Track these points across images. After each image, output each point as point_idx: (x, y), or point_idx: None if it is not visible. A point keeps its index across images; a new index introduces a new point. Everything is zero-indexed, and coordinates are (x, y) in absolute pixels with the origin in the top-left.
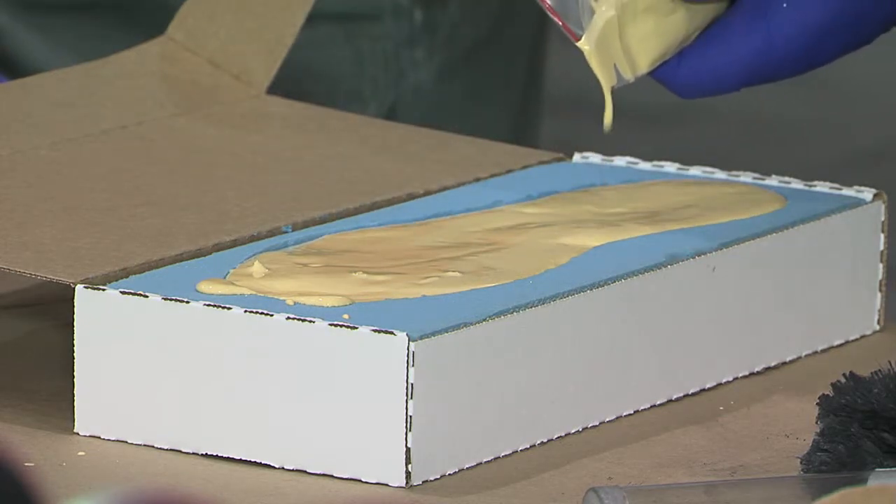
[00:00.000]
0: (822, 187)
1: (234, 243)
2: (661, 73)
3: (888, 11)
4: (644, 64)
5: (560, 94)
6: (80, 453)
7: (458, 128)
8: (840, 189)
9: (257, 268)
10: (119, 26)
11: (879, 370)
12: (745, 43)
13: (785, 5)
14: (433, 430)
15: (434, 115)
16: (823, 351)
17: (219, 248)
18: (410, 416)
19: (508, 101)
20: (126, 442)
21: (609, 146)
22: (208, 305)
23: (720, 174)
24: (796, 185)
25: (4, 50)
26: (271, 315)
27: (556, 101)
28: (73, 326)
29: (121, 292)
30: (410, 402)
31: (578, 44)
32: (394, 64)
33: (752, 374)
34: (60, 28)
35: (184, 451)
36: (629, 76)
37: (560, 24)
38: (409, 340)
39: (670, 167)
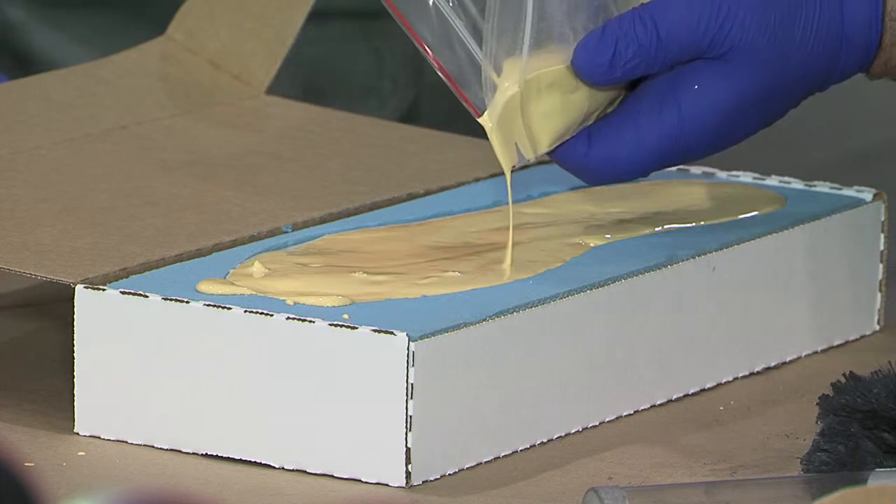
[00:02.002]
0: (822, 187)
1: (234, 243)
2: (572, 158)
3: (809, 86)
4: (545, 142)
5: None
6: (80, 453)
7: (478, 125)
8: (840, 189)
9: (257, 268)
10: (133, 21)
11: (879, 370)
12: (658, 127)
13: (696, 87)
14: (433, 430)
15: (455, 112)
16: (823, 351)
17: (219, 248)
18: (410, 416)
19: None
20: (126, 442)
21: None
22: (208, 305)
23: (720, 174)
24: (796, 185)
25: (20, 45)
26: (271, 315)
27: None
28: (73, 326)
29: (121, 292)
30: (410, 402)
31: (480, 120)
32: (413, 61)
33: (752, 374)
34: (75, 23)
35: (184, 451)
36: (530, 155)
37: (461, 97)
38: (409, 340)
39: (670, 167)
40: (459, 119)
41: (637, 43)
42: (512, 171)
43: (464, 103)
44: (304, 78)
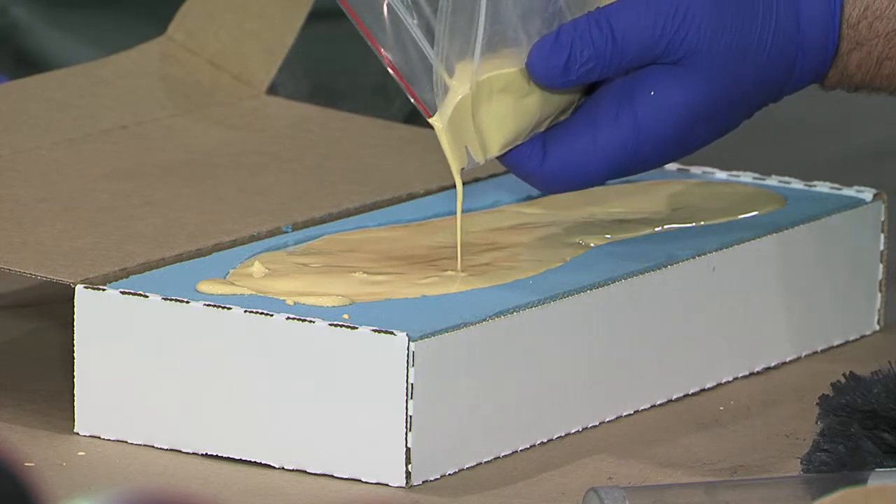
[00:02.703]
0: (822, 187)
1: (234, 243)
2: (526, 166)
3: (765, 93)
4: (496, 146)
5: None
6: (80, 453)
7: None
8: (840, 189)
9: (257, 268)
10: (140, 21)
11: (879, 370)
12: (614, 134)
13: (652, 93)
14: (433, 430)
15: None
16: (823, 351)
17: (219, 248)
18: (410, 416)
19: None
20: (126, 442)
21: None
22: (208, 305)
23: (720, 174)
24: (796, 185)
25: (24, 45)
26: (271, 315)
27: None
28: (73, 326)
29: (121, 292)
30: (410, 402)
31: (431, 120)
32: None
33: (752, 374)
34: (81, 23)
35: (184, 451)
36: (480, 158)
37: (412, 97)
38: (409, 340)
39: (670, 167)
40: None
41: (592, 46)
42: (462, 173)
43: (414, 103)
44: (311, 77)
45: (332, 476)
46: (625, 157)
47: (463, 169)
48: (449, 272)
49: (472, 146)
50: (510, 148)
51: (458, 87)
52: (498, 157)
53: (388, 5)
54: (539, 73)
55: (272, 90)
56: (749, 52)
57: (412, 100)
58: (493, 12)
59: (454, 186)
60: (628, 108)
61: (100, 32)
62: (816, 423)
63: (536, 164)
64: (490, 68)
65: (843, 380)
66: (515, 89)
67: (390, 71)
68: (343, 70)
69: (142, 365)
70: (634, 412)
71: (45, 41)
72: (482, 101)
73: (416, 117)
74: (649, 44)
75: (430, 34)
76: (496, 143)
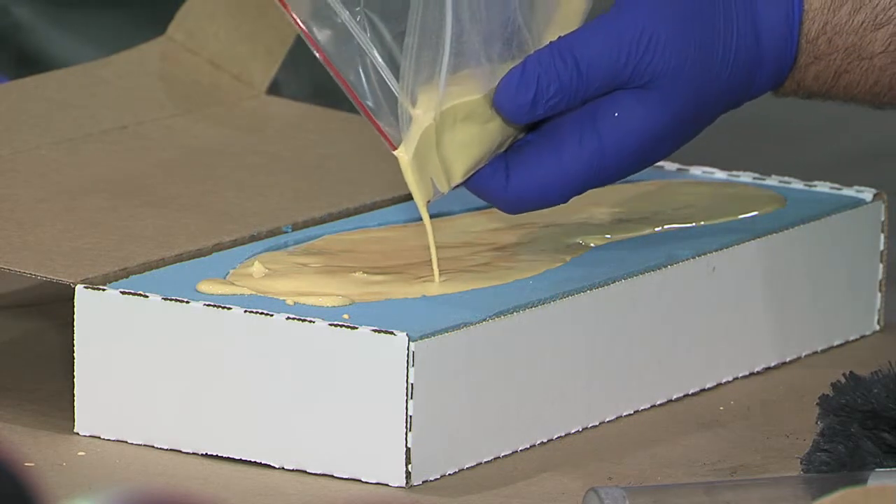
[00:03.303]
0: (822, 187)
1: (234, 243)
2: (491, 191)
3: (726, 106)
4: (460, 173)
5: None
6: (80, 453)
7: None
8: (840, 189)
9: (257, 268)
10: (144, 22)
11: (879, 370)
12: (578, 156)
13: (616, 115)
14: (433, 430)
15: None
16: (823, 351)
17: (219, 248)
18: (410, 416)
19: None
20: (126, 442)
21: None
22: (208, 305)
23: (720, 174)
24: (796, 185)
25: (28, 45)
26: (271, 315)
27: None
28: (73, 326)
29: (121, 292)
30: (410, 402)
31: (396, 153)
32: None
33: (752, 374)
34: (85, 23)
35: (184, 451)
36: (444, 189)
37: (377, 128)
38: (409, 340)
39: (670, 167)
40: None
41: (559, 81)
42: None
43: (379, 135)
44: (313, 77)
45: (332, 476)
46: (588, 178)
47: (429, 202)
48: (450, 273)
49: (436, 177)
50: (472, 173)
51: (423, 117)
52: (461, 183)
53: (355, 39)
54: (507, 111)
55: (274, 90)
56: (712, 71)
57: (377, 132)
58: (457, 44)
59: (454, 187)
60: (591, 130)
61: (102, 33)
62: (816, 423)
63: (501, 188)
64: (453, 96)
65: (843, 380)
66: (478, 115)
67: (354, 102)
68: None
69: (142, 365)
70: (634, 412)
71: (48, 41)
72: (446, 130)
73: None
74: (615, 73)
75: (391, 64)
76: (460, 170)
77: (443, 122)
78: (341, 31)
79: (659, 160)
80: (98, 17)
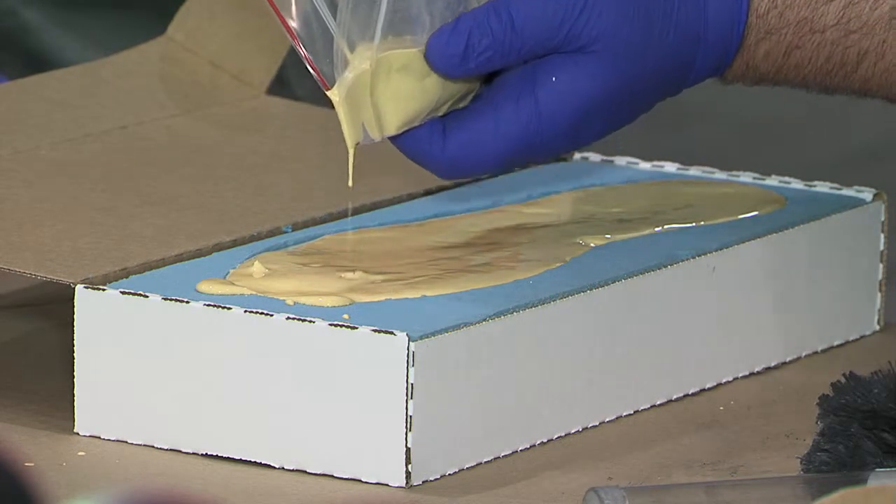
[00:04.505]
0: (822, 187)
1: (234, 243)
2: (426, 151)
3: (666, 83)
4: (392, 125)
5: None
6: (80, 453)
7: None
8: (840, 189)
9: (257, 268)
10: (151, 24)
11: (879, 370)
12: (516, 119)
13: (553, 79)
14: (433, 430)
15: None
16: (823, 351)
17: (219, 248)
18: (410, 416)
19: None
20: (126, 442)
21: (609, 146)
22: (208, 305)
23: (720, 174)
24: (796, 185)
25: (35, 47)
26: (271, 315)
27: None
28: (73, 326)
29: (121, 292)
30: (410, 402)
31: (329, 93)
32: None
33: (752, 374)
34: (91, 25)
35: (184, 451)
36: (376, 135)
37: (312, 70)
38: (409, 340)
39: (670, 167)
40: None
41: (491, 35)
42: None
43: (314, 75)
44: None
45: (332, 476)
46: (525, 143)
47: (358, 144)
48: (450, 272)
49: (368, 123)
50: (406, 129)
51: (358, 62)
52: (396, 142)
53: None
54: (437, 62)
55: (284, 87)
56: (652, 39)
57: (311, 72)
58: None
59: (454, 186)
60: (529, 93)
61: (109, 34)
62: (816, 423)
63: (437, 149)
64: (391, 46)
65: (843, 380)
66: (415, 69)
67: (291, 41)
68: None
69: (142, 365)
70: (634, 412)
71: (55, 43)
72: (381, 77)
73: None
74: (549, 33)
75: (332, 6)
76: (393, 121)
77: (378, 70)
78: None
79: (593, 137)
80: (106, 19)
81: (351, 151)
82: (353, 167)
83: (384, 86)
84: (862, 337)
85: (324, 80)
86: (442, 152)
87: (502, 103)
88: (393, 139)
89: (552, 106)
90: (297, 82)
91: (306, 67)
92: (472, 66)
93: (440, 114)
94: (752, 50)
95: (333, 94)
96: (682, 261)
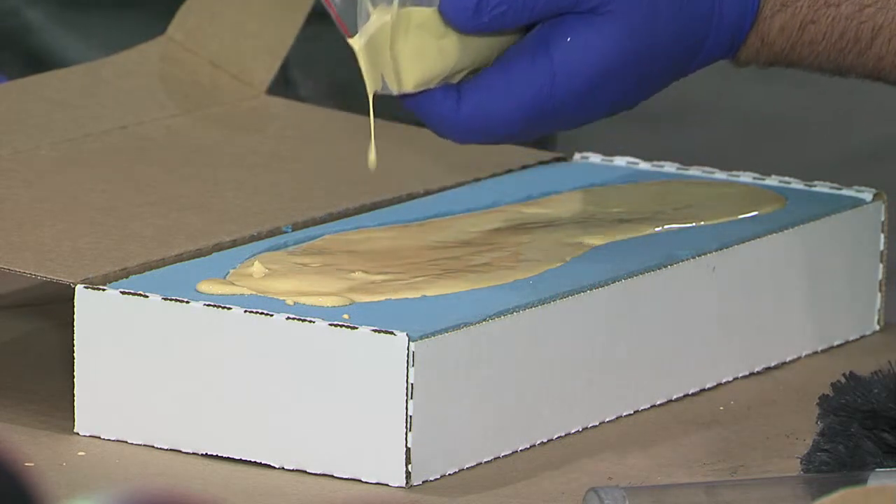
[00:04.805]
0: (822, 187)
1: (234, 243)
2: (439, 112)
3: (678, 55)
4: (410, 82)
5: None
6: (80, 453)
7: None
8: (840, 189)
9: (257, 268)
10: (155, 23)
11: (879, 370)
12: (529, 79)
13: (568, 39)
14: (433, 430)
15: None
16: (823, 351)
17: (219, 248)
18: (410, 416)
19: None
20: (126, 442)
21: (609, 146)
22: (208, 305)
23: (720, 174)
24: (796, 185)
25: (38, 47)
26: (271, 315)
27: None
28: (73, 326)
29: (121, 292)
30: (410, 402)
31: (350, 40)
32: None
33: (752, 374)
34: (96, 25)
35: (184, 451)
36: (394, 88)
37: (335, 17)
38: (409, 340)
39: (670, 167)
40: None
41: None
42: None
43: (336, 23)
44: (330, 76)
45: (332, 476)
46: (540, 104)
47: (376, 93)
48: (450, 272)
49: (387, 75)
50: (423, 89)
51: (379, 15)
52: (411, 103)
53: None
54: (450, 13)
55: (290, 89)
56: (666, 5)
57: (335, 20)
58: None
59: (454, 186)
60: (544, 53)
61: (113, 34)
62: (816, 423)
63: (452, 109)
64: (413, 4)
65: (843, 380)
66: (433, 28)
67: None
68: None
69: (142, 365)
70: (634, 412)
71: (58, 43)
72: (400, 32)
73: None
74: None
75: None
76: (411, 77)
77: (398, 23)
78: None
79: (605, 108)
80: (109, 18)
81: (371, 99)
82: (374, 116)
83: (403, 41)
84: (862, 337)
85: (346, 28)
86: (455, 113)
87: (517, 64)
88: (407, 100)
89: (566, 67)
90: (302, 82)
91: (329, 15)
92: (486, 21)
93: (455, 81)
94: (768, 23)
95: (354, 42)
96: (682, 261)
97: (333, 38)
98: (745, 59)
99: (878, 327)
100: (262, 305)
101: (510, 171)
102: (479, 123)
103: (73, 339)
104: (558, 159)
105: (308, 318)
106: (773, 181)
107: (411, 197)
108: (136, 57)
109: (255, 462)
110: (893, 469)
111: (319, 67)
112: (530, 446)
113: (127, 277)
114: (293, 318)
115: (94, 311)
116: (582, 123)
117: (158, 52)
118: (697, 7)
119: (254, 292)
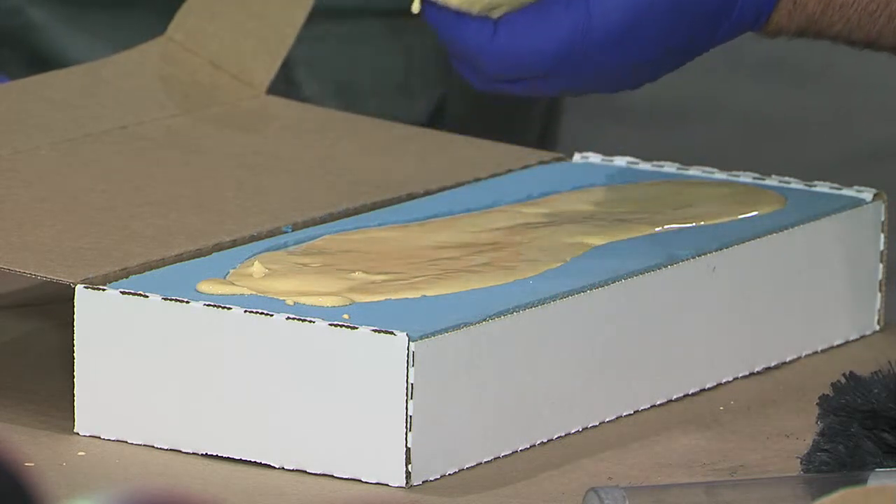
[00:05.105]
0: (822, 187)
1: (234, 243)
2: (474, 41)
3: (710, 9)
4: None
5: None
6: (80, 453)
7: (505, 121)
8: (840, 189)
9: (257, 268)
10: (157, 23)
11: (879, 370)
12: (565, 14)
13: None
14: (433, 430)
15: (482, 109)
16: (823, 351)
17: (219, 248)
18: (410, 416)
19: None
20: (126, 442)
21: (609, 146)
22: (208, 305)
23: (720, 174)
24: (796, 185)
25: (41, 46)
26: (271, 315)
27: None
28: (73, 326)
29: (121, 292)
30: (410, 402)
31: None
32: (442, 59)
33: (752, 374)
34: (99, 24)
35: (184, 451)
36: (455, 1)
37: None
38: (409, 340)
39: (670, 167)
40: (486, 116)
41: None
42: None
43: None
44: (335, 76)
45: (332, 476)
46: (574, 40)
47: None
48: (450, 272)
49: None
50: (465, 10)
51: None
52: (447, 33)
53: None
54: None
55: (294, 89)
56: None
57: None
58: None
59: (454, 186)
60: None
61: (116, 33)
62: (816, 423)
63: (486, 41)
64: None
65: (843, 380)
66: None
67: None
68: (367, 69)
69: (142, 365)
70: (634, 412)
71: (61, 42)
72: None
73: (438, 116)
74: None
75: None
76: None
77: None
78: None
79: (643, 54)
80: (112, 17)
81: None
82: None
83: None
84: (862, 337)
85: None
86: (490, 42)
87: (555, 2)
88: (444, 30)
89: (601, 7)
90: (306, 82)
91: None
92: None
93: (494, 16)
94: None
95: None
96: (682, 261)
97: (337, 38)
98: (777, 23)
99: (878, 327)
100: (262, 305)
101: (510, 171)
102: (511, 52)
103: (73, 339)
104: (558, 159)
105: (308, 318)
106: (773, 181)
107: (411, 197)
108: (136, 57)
109: (255, 462)
110: (893, 469)
111: (323, 68)
112: (530, 446)
113: (127, 277)
114: (293, 318)
115: (94, 311)
116: (605, 83)
117: (158, 52)
118: None
119: (254, 292)
